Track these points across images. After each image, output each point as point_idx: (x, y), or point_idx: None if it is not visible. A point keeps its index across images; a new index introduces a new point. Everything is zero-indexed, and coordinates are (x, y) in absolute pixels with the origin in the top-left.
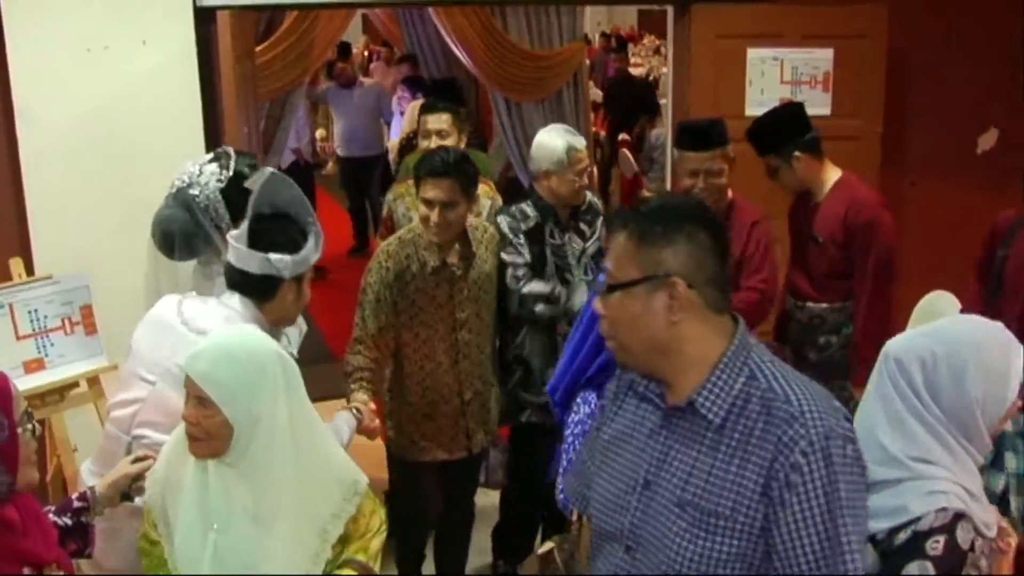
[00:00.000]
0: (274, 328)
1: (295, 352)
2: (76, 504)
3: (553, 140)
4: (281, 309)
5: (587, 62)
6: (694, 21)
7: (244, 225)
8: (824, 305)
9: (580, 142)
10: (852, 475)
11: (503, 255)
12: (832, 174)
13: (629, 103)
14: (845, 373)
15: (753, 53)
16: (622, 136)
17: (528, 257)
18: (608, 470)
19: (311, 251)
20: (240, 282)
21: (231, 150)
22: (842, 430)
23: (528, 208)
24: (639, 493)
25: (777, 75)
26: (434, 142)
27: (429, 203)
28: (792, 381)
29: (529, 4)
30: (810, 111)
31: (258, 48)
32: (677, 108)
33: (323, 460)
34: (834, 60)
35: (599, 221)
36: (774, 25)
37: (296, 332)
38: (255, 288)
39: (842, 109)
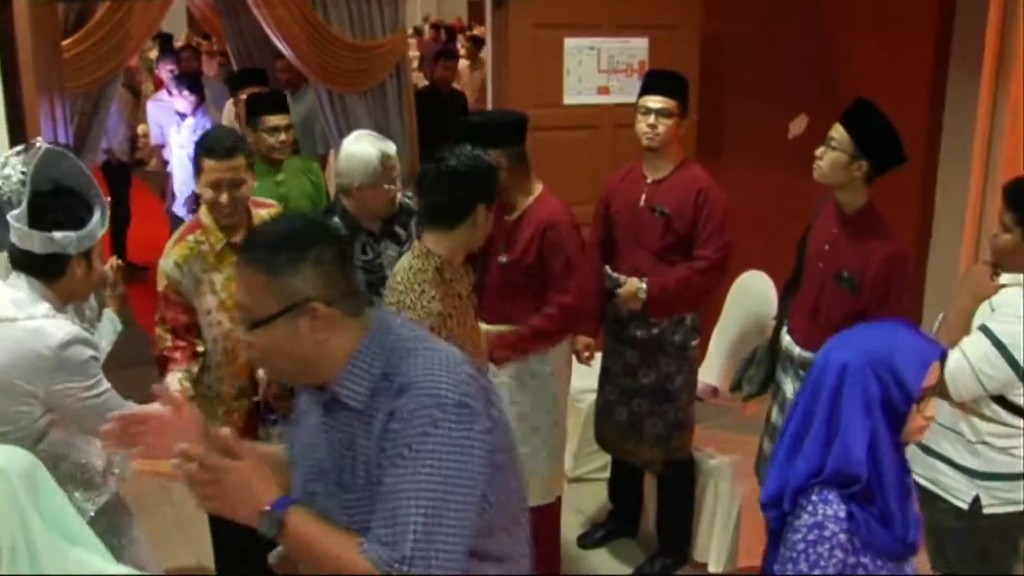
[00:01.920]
0: (67, 307)
1: (107, 347)
2: None
3: (365, 149)
4: (71, 286)
5: (416, 53)
6: (512, 11)
7: (24, 203)
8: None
9: (391, 147)
10: (457, 443)
11: None
12: (681, 154)
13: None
14: (674, 348)
15: (570, 43)
16: None
17: None
18: (298, 466)
19: (97, 225)
20: (25, 263)
21: (42, 143)
22: (456, 396)
23: (337, 221)
24: (317, 481)
25: (594, 64)
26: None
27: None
28: (419, 354)
29: None
30: (626, 99)
31: (68, 40)
32: (497, 98)
33: None
34: (649, 49)
35: (413, 220)
36: (590, 15)
37: (110, 329)
38: (41, 268)
39: None
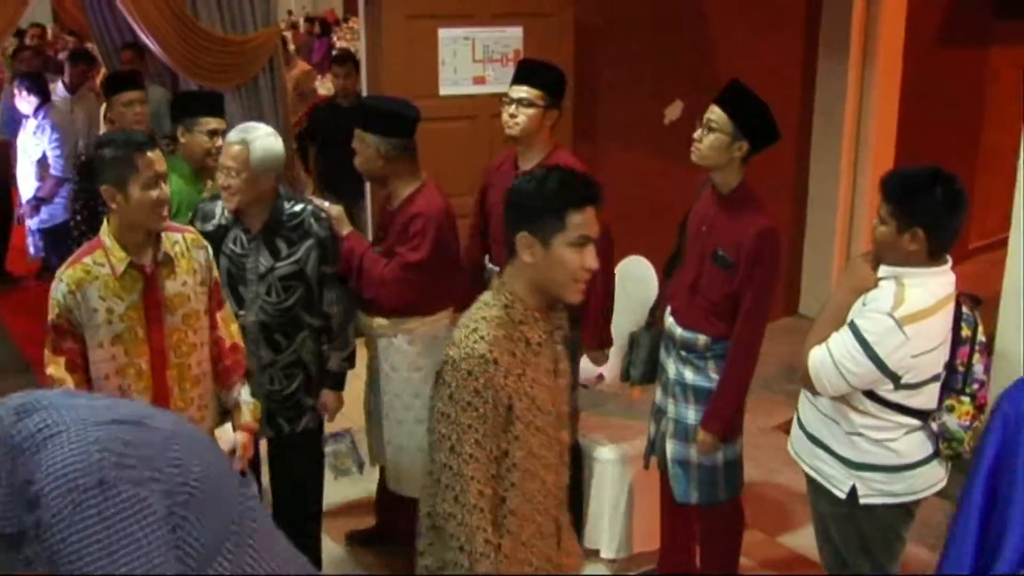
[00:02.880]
0: None
1: None
2: None
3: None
4: None
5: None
6: (385, 3)
7: None
8: None
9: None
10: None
11: None
12: (551, 142)
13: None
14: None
15: (444, 33)
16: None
17: None
18: None
19: None
20: None
21: None
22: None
23: (219, 207)
24: None
25: (469, 54)
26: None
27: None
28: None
29: None
30: (502, 88)
31: None
32: (371, 89)
33: None
34: (524, 38)
35: (307, 243)
36: (464, 5)
37: None
38: None
39: None
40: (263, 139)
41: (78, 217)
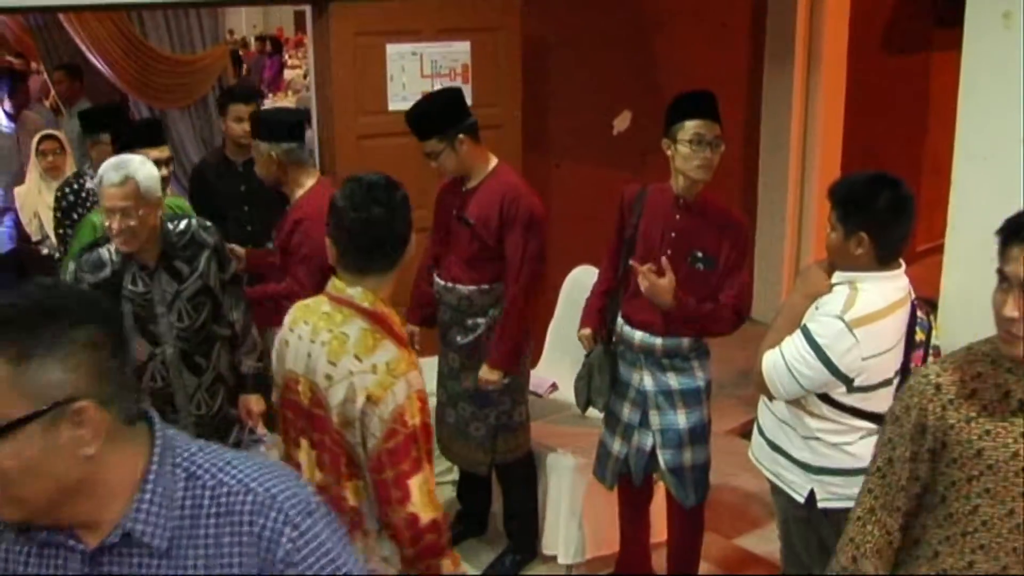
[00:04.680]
0: None
1: None
2: None
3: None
4: None
5: (243, 66)
6: (333, 19)
7: None
8: (472, 287)
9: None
10: (335, 531)
11: None
12: (491, 161)
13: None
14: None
15: (392, 49)
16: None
17: None
18: None
19: None
20: None
21: None
22: (306, 495)
23: (107, 252)
24: None
25: (417, 69)
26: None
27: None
28: (239, 465)
29: (168, 8)
30: None
31: None
32: (321, 106)
33: None
34: (471, 52)
35: (204, 255)
36: (411, 21)
37: None
38: None
39: (482, 99)
40: (143, 168)
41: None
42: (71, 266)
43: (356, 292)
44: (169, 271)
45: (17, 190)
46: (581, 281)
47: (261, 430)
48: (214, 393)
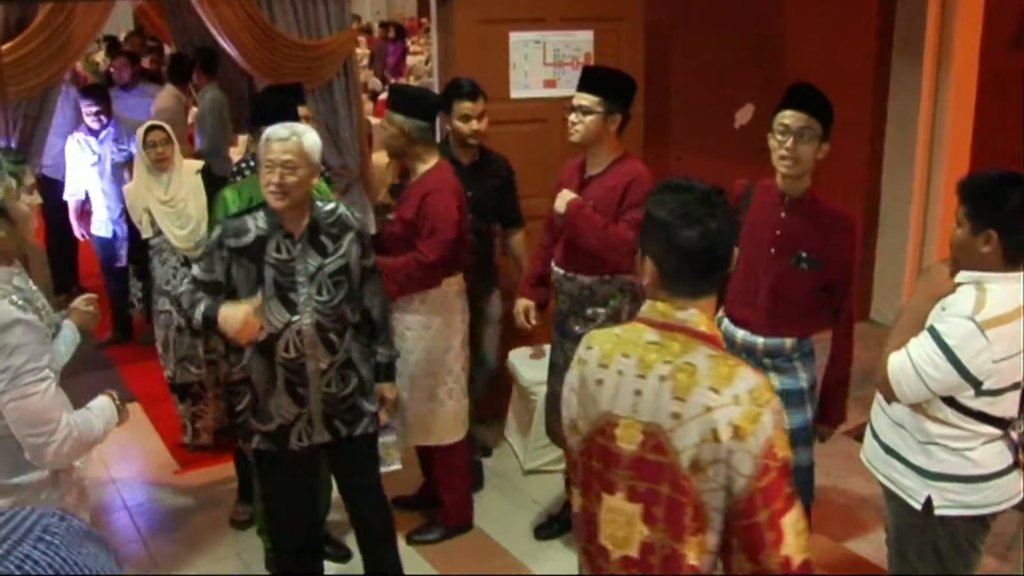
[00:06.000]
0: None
1: (66, 357)
2: None
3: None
4: None
5: (367, 51)
6: (457, 7)
7: None
8: (595, 277)
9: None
10: None
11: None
12: (619, 151)
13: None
14: None
15: (515, 37)
16: None
17: (208, 275)
18: None
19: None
20: None
21: None
22: None
23: (252, 220)
24: None
25: (540, 58)
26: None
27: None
28: None
29: None
30: (572, 91)
31: (9, 44)
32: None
33: None
34: (594, 42)
35: (348, 237)
36: (535, 9)
37: (70, 339)
38: None
39: None
40: (309, 132)
41: None
42: (217, 230)
43: (689, 315)
44: (314, 244)
45: (125, 188)
46: None
47: (385, 418)
48: (344, 377)
